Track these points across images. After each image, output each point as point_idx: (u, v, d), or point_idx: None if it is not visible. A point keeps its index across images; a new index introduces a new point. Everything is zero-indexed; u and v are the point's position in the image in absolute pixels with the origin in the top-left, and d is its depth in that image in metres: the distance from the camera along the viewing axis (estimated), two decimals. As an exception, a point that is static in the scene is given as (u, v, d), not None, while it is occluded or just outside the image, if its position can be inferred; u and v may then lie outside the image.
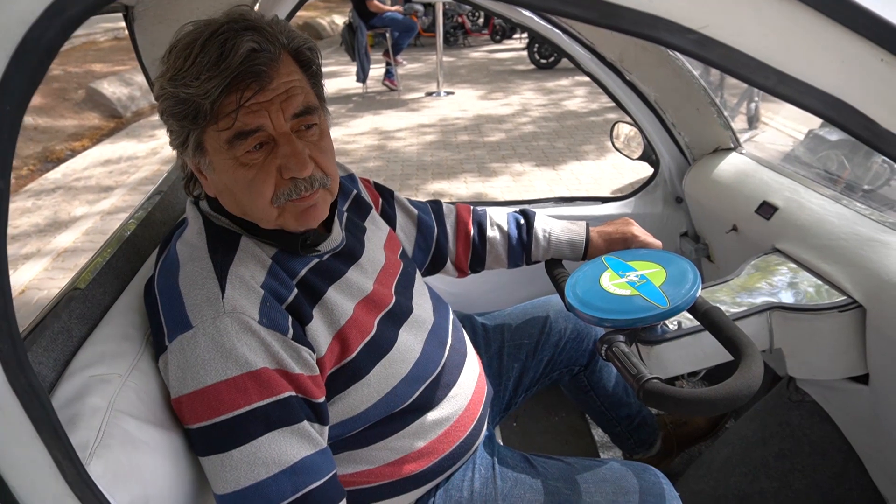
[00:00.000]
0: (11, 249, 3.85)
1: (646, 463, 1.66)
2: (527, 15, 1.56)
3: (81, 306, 0.86)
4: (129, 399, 0.76)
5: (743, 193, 1.48)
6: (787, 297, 1.12)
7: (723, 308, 1.09)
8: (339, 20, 12.34)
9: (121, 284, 0.98)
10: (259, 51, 0.78)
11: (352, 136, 6.08)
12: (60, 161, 5.68)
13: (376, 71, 8.07)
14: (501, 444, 1.31)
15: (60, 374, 0.77)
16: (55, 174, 5.29)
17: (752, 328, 1.10)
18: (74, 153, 5.94)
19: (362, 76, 7.60)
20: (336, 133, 6.17)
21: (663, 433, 1.63)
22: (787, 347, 1.13)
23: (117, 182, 5.00)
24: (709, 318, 0.98)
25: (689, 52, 0.45)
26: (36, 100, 6.70)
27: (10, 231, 4.12)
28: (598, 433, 1.84)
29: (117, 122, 6.90)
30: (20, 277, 3.45)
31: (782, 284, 1.17)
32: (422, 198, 4.66)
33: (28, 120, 6.25)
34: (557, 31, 1.56)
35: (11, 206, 4.48)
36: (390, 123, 6.46)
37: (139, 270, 1.04)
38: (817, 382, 1.24)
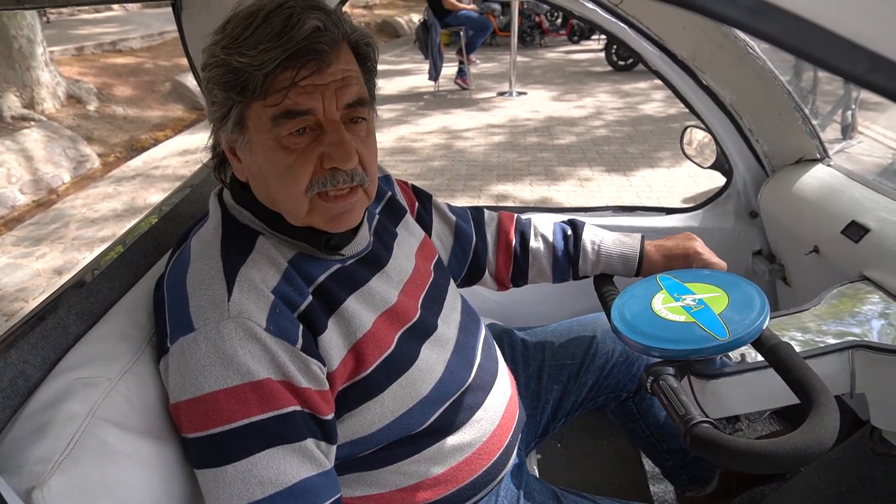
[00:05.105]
0: (90, 232, 4.04)
1: (700, 501, 1.54)
2: (590, 7, 1.44)
3: (83, 301, 0.82)
4: (116, 405, 0.71)
5: (828, 211, 1.31)
6: (874, 335, 0.96)
7: (796, 343, 0.94)
8: (417, 18, 12.41)
9: (132, 280, 0.94)
10: (323, 30, 0.75)
11: (419, 134, 6.06)
12: (144, 149, 5.96)
13: (449, 69, 8.03)
14: (535, 473, 1.21)
15: (47, 374, 0.73)
16: (136, 162, 5.54)
17: (831, 368, 0.95)
18: (157, 142, 6.22)
19: (434, 74, 7.58)
20: (404, 131, 6.17)
21: (721, 470, 1.48)
22: (872, 394, 0.97)
23: (191, 172, 5.18)
24: (775, 356, 0.84)
25: (739, 22, 0.33)
26: (127, 91, 7.11)
27: (90, 214, 4.34)
28: (649, 463, 1.69)
29: (199, 113, 7.16)
30: (94, 260, 3.62)
31: (869, 319, 1.01)
32: (484, 200, 4.54)
33: (118, 109, 6.60)
34: (624, 25, 1.43)
35: (95, 191, 4.71)
36: (459, 123, 6.40)
37: (154, 266, 0.99)
38: (908, 435, 1.06)
